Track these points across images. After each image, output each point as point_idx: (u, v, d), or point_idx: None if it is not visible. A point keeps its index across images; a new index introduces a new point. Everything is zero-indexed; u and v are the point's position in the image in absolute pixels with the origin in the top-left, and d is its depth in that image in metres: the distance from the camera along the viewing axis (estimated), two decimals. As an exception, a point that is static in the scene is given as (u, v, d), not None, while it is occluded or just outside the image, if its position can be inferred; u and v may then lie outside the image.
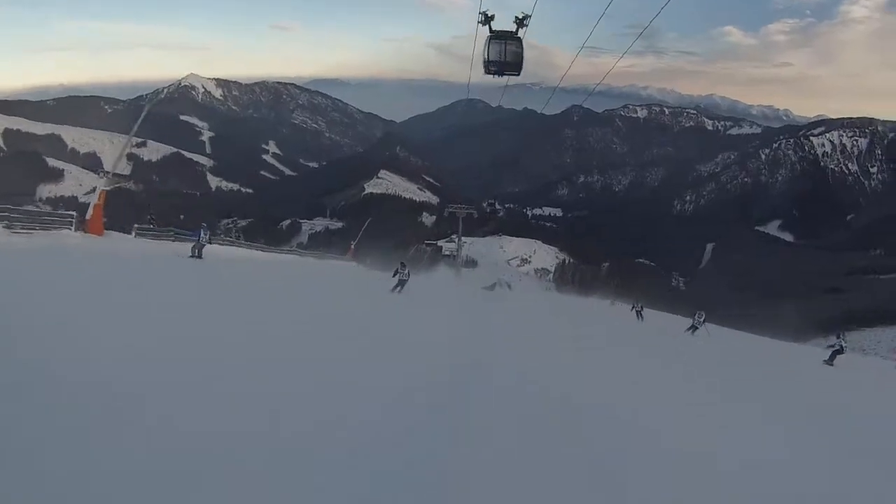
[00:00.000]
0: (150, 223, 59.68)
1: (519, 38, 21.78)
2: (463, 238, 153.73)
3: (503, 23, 21.58)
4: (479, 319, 34.58)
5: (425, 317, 30.95)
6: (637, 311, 53.21)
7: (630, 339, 36.37)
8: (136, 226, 44.83)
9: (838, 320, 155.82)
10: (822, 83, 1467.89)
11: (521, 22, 21.58)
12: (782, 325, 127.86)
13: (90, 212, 38.06)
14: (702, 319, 44.87)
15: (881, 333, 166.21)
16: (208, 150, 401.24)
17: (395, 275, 38.22)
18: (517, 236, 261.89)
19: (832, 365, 35.18)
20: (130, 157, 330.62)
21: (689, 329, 44.81)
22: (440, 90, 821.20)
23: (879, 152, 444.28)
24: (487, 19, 21.63)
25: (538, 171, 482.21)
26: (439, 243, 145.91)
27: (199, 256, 37.21)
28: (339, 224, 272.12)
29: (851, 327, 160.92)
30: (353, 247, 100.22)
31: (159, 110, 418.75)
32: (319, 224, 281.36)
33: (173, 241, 46.53)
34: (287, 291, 31.76)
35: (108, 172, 40.87)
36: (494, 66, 22.23)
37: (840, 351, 36.28)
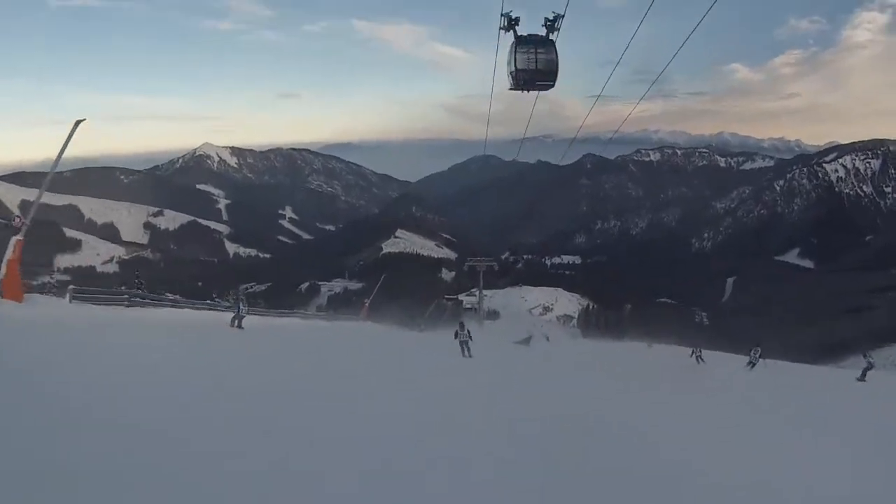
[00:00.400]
0: (139, 287, 56.72)
1: (552, 41, 19.27)
2: (483, 291, 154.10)
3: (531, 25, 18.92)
4: (539, 378, 32.38)
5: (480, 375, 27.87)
6: (697, 356, 51.94)
7: (699, 382, 36.80)
8: (71, 287, 35.32)
9: (864, 339, 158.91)
10: (831, 110, 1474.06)
11: (552, 24, 19.06)
12: (811, 348, 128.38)
13: (3, 270, 29.28)
14: (758, 355, 46.26)
15: None
16: (225, 216, 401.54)
17: (455, 337, 34.75)
18: (537, 286, 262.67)
19: (864, 380, 38.91)
20: (147, 226, 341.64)
21: (748, 365, 45.83)
22: (453, 148, 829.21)
23: (893, 171, 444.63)
24: (511, 23, 19.01)
25: (555, 221, 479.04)
26: (460, 297, 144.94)
27: (241, 327, 35.29)
28: (359, 284, 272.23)
29: (881, 345, 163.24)
30: (366, 304, 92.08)
31: (175, 180, 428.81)
32: (338, 285, 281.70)
33: (127, 305, 37.28)
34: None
35: (16, 218, 33.59)
36: (524, 78, 19.61)
37: (869, 367, 40.36)
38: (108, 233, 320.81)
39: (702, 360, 51.18)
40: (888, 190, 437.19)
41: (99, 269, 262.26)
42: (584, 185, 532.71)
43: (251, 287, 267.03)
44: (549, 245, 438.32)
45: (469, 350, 33.66)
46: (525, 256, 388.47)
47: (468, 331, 34.76)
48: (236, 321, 35.37)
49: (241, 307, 36.36)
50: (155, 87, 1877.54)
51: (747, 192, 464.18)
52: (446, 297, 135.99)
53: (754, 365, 45.05)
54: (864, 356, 43.29)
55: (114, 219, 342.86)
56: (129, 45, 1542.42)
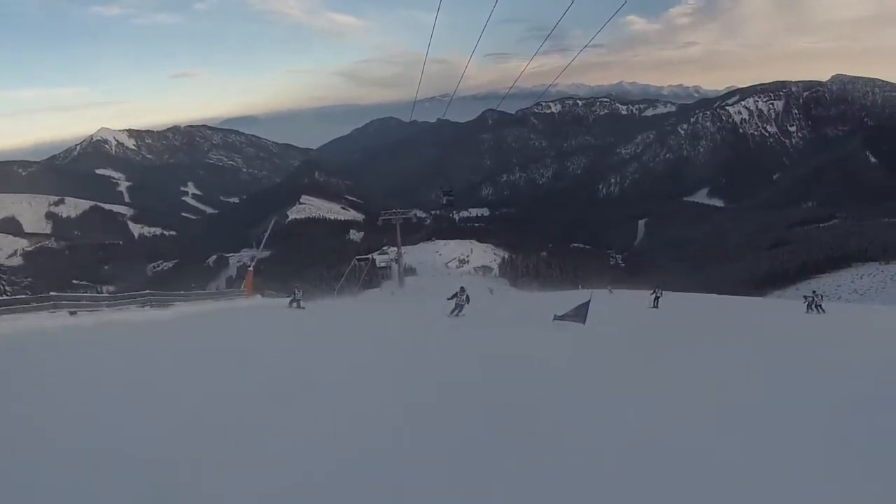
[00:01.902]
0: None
1: None
2: (394, 248, 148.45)
3: None
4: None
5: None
6: (656, 298, 48.64)
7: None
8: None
9: (793, 273, 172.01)
10: (729, 56, 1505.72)
11: None
12: (739, 283, 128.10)
13: None
14: (659, 293, 48.91)
15: (838, 277, 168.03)
16: (127, 199, 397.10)
17: (451, 297, 35.42)
18: (450, 240, 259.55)
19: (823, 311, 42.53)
20: (49, 216, 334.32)
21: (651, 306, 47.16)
22: (352, 113, 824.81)
23: (796, 112, 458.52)
24: None
25: (460, 176, 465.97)
26: (372, 256, 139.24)
27: (301, 307, 40.57)
28: (267, 253, 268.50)
29: (809, 277, 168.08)
30: (251, 271, 70.80)
31: (74, 168, 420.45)
32: (246, 255, 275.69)
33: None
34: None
35: None
36: None
37: (812, 302, 43.63)
38: (10, 227, 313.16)
39: (657, 303, 47.77)
40: (793, 129, 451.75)
41: (4, 262, 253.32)
42: (487, 139, 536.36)
43: (158, 265, 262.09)
44: (456, 199, 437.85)
45: (461, 311, 34.05)
46: (432, 212, 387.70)
47: (468, 296, 35.18)
48: (295, 303, 41.07)
49: (296, 293, 42.40)
50: (47, 79, 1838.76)
51: (651, 136, 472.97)
52: (358, 257, 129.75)
53: (658, 300, 47.63)
54: (812, 294, 45.59)
55: (14, 212, 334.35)
56: (16, 39, 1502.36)
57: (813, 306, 42.95)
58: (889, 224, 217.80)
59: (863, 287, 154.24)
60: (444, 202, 38.17)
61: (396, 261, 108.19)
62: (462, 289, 35.37)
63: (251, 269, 71.45)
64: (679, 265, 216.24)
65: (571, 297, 40.04)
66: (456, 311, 33.83)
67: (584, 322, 22.34)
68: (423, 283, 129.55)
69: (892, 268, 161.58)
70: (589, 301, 23.20)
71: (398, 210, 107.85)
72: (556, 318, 24.53)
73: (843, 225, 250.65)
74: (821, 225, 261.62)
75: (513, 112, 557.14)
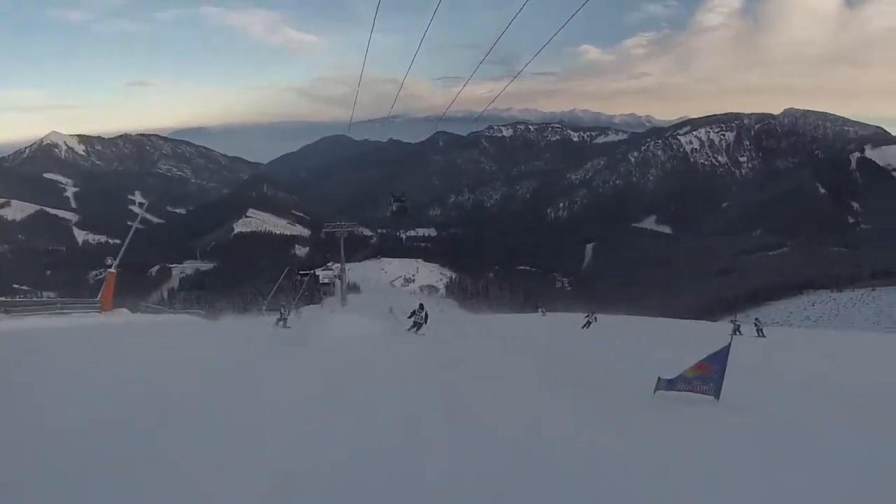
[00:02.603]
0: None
1: None
2: (338, 264, 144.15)
3: None
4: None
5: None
6: (588, 322, 49.11)
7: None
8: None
9: (743, 299, 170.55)
10: (681, 88, 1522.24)
11: None
12: (688, 309, 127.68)
13: None
14: (593, 316, 50.18)
15: (790, 304, 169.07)
16: (73, 204, 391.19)
17: (411, 316, 35.05)
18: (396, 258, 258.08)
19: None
20: None
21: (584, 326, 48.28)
22: (304, 130, 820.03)
23: (748, 143, 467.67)
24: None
25: (408, 196, 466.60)
26: (316, 272, 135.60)
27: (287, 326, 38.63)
28: (211, 265, 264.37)
29: (760, 304, 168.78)
30: (112, 273, 50.16)
31: (22, 170, 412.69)
32: (189, 267, 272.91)
33: None
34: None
35: None
36: None
37: (737, 329, 43.11)
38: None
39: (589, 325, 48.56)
40: (743, 160, 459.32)
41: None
42: (437, 160, 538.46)
43: (100, 273, 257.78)
44: (403, 219, 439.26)
45: (418, 329, 33.93)
46: (379, 231, 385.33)
47: (426, 313, 34.69)
48: (281, 322, 39.10)
49: (284, 312, 41.02)
50: None
51: (602, 163, 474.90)
52: (300, 272, 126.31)
53: (590, 324, 48.09)
54: (733, 321, 47.28)
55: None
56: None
57: (757, 331, 43.24)
58: (838, 253, 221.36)
59: (815, 314, 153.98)
60: (395, 209, 35.14)
61: (339, 277, 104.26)
62: (421, 306, 35.02)
63: (112, 271, 51.89)
64: (626, 290, 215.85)
65: (535, 323, 39.41)
66: (414, 329, 33.61)
67: (717, 397, 12.57)
68: (366, 301, 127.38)
69: (844, 296, 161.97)
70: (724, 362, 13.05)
71: (342, 223, 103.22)
72: (665, 387, 13.60)
73: (793, 253, 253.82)
74: (770, 253, 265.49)
75: (464, 135, 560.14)
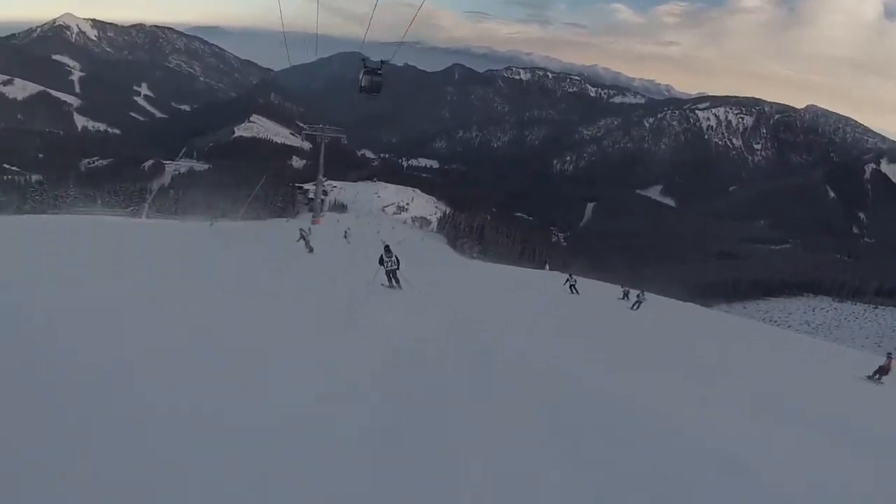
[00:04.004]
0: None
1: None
2: (334, 182, 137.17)
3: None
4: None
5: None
6: (571, 285, 46.11)
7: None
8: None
9: (744, 289, 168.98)
10: (706, 64, 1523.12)
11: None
12: (683, 287, 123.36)
13: None
14: (643, 295, 43.93)
15: (789, 304, 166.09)
16: (77, 89, 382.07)
17: (381, 263, 26.84)
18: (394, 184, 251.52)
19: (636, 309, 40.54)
20: None
21: (633, 306, 42.86)
22: (321, 42, 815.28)
23: (764, 131, 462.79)
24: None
25: (416, 124, 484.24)
26: (306, 186, 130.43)
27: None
28: (206, 166, 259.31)
29: (759, 298, 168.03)
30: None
31: (30, 49, 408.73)
32: (184, 165, 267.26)
33: None
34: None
35: None
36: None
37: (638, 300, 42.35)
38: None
39: (575, 290, 45.73)
40: (757, 147, 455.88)
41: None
42: (450, 93, 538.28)
43: (93, 162, 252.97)
44: (408, 146, 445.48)
45: (394, 280, 26.74)
46: (382, 155, 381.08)
47: (396, 258, 27.04)
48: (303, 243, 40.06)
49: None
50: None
51: (616, 123, 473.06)
52: (293, 185, 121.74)
53: (639, 305, 42.38)
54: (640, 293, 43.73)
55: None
56: None
57: (635, 305, 42.06)
58: (841, 261, 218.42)
59: (815, 321, 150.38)
60: (364, 83, 29.87)
61: (316, 190, 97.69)
62: (388, 249, 27.52)
63: None
64: (621, 255, 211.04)
65: (549, 287, 41.49)
66: (390, 282, 26.46)
67: None
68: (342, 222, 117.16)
69: (845, 307, 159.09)
70: None
71: (324, 125, 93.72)
72: None
73: (795, 252, 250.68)
74: (773, 247, 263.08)
75: (481, 71, 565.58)
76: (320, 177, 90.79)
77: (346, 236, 53.23)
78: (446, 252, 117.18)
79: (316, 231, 51.20)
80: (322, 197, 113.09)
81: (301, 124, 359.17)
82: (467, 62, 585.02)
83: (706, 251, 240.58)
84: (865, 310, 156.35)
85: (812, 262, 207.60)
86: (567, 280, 46.84)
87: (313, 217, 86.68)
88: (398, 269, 26.53)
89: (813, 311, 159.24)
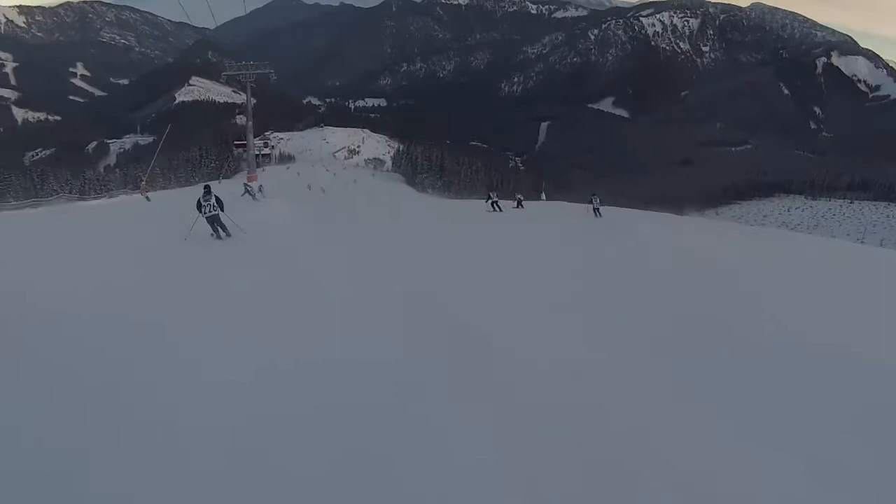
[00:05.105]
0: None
1: None
2: (280, 134, 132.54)
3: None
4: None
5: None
6: (595, 209, 42.22)
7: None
8: None
9: (715, 195, 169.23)
10: None
11: None
12: (651, 199, 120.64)
13: None
14: (598, 202, 42.86)
15: (762, 207, 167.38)
16: (13, 81, 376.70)
17: (199, 209, 20.98)
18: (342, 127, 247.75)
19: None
20: None
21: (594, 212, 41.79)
22: None
23: (711, 32, 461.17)
24: None
25: (358, 64, 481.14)
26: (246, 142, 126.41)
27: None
28: (150, 139, 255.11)
29: (731, 202, 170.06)
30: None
31: None
32: (128, 142, 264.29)
33: None
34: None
35: None
36: None
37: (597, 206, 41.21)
38: None
39: (599, 213, 41.82)
40: (705, 49, 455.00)
41: None
42: (389, 26, 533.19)
43: (37, 154, 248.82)
44: (352, 88, 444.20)
45: (219, 228, 21.24)
46: (327, 100, 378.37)
47: (215, 201, 20.90)
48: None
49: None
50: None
51: (560, 38, 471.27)
52: (236, 143, 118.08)
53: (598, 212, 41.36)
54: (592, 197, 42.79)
55: None
56: None
57: (595, 210, 41.36)
58: (807, 158, 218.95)
59: (792, 221, 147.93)
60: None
61: (270, 145, 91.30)
62: (207, 189, 21.48)
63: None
64: (582, 173, 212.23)
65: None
66: (216, 231, 21.12)
67: None
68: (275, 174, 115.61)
69: (820, 204, 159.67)
70: None
71: (249, 62, 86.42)
72: None
73: (756, 153, 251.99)
74: (733, 149, 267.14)
75: (419, 1, 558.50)
76: (249, 123, 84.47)
77: (248, 192, 47.40)
78: (405, 192, 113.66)
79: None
80: (267, 151, 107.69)
81: (242, 80, 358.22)
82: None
83: (667, 160, 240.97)
84: (841, 205, 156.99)
85: (776, 162, 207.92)
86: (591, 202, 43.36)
87: (248, 173, 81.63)
88: (222, 212, 21.06)
89: (788, 210, 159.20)
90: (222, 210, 20.83)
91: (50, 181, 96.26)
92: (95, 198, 64.14)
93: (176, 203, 36.51)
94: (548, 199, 71.89)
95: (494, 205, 44.13)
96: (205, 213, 20.64)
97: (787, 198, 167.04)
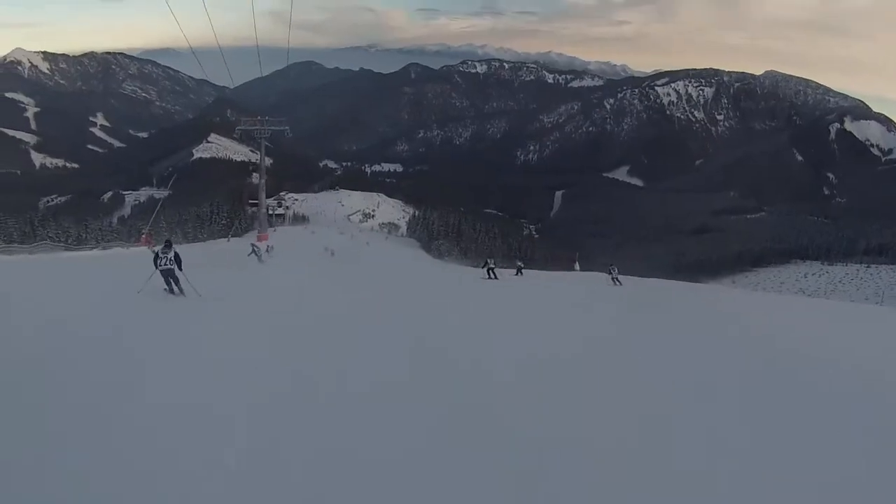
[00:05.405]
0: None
1: None
2: (295, 195, 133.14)
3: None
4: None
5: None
6: (614, 278, 44.86)
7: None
8: None
9: (729, 262, 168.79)
10: (660, 40, 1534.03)
11: None
12: (664, 267, 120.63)
13: None
14: (615, 272, 45.05)
15: (779, 273, 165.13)
16: (34, 126, 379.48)
17: (155, 263, 20.78)
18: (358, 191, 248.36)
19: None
20: None
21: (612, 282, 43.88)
22: (275, 55, 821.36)
23: (726, 101, 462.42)
24: None
25: (376, 128, 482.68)
26: (266, 202, 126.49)
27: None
28: (166, 192, 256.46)
29: (746, 269, 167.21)
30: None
31: None
32: (144, 194, 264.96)
33: None
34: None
35: None
36: None
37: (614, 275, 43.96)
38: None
39: (618, 281, 44.83)
40: (720, 117, 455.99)
41: None
42: (408, 93, 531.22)
43: (52, 199, 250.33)
44: (369, 152, 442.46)
45: (177, 282, 21.03)
46: (344, 164, 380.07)
47: (173, 254, 20.92)
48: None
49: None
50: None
51: (576, 107, 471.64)
52: (250, 201, 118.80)
53: (616, 281, 43.88)
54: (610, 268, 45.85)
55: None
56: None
57: (613, 279, 43.78)
58: (822, 224, 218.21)
59: (809, 287, 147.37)
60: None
61: (284, 205, 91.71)
62: (168, 243, 21.61)
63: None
64: (597, 241, 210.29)
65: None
66: (169, 287, 20.72)
67: None
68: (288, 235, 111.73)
69: (837, 269, 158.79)
70: None
71: (264, 117, 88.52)
72: None
73: (772, 219, 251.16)
74: (748, 216, 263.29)
75: (437, 68, 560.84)
76: (261, 181, 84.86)
77: (255, 252, 46.18)
78: (423, 260, 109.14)
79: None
80: (281, 211, 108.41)
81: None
82: (422, 60, 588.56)
83: (681, 228, 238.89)
84: (858, 270, 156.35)
85: (791, 228, 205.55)
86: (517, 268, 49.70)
87: (259, 233, 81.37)
88: (178, 268, 20.83)
89: (805, 276, 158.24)
90: (180, 268, 20.82)
91: (49, 227, 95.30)
92: (88, 248, 65.00)
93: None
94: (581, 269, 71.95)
95: (490, 272, 44.15)
96: (160, 265, 20.57)
97: (804, 264, 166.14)
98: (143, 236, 61.28)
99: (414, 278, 44.34)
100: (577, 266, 77.83)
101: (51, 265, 33.73)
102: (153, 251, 32.26)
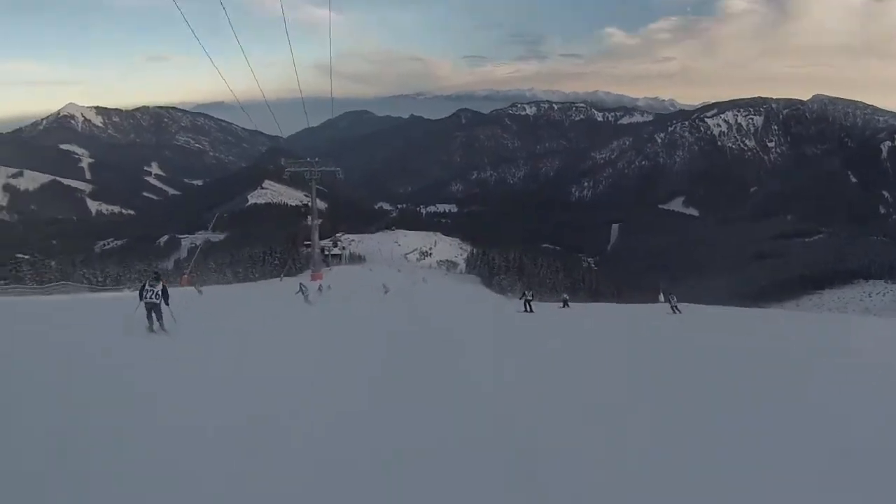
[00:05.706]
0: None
1: None
2: (351, 236, 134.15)
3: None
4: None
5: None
6: (673, 306, 44.23)
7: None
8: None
9: (792, 286, 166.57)
10: (705, 73, 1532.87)
11: None
12: (731, 295, 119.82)
13: None
14: (675, 301, 45.07)
15: (842, 294, 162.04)
16: (88, 175, 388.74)
17: (141, 296, 20.16)
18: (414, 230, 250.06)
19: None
20: (7, 188, 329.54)
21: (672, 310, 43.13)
22: (325, 105, 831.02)
23: (776, 128, 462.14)
24: None
25: (429, 172, 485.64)
26: (322, 243, 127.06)
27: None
28: (221, 236, 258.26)
29: (811, 291, 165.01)
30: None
31: (38, 141, 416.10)
32: (199, 238, 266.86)
33: None
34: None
35: None
36: None
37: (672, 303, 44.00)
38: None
39: (677, 309, 43.92)
40: (771, 144, 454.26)
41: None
42: (459, 137, 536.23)
43: (108, 243, 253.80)
44: (423, 194, 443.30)
45: (155, 320, 20.21)
46: (398, 206, 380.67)
47: (161, 288, 20.31)
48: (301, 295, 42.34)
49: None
50: (18, 51, 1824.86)
51: (627, 143, 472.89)
52: (305, 242, 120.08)
53: (676, 310, 43.01)
54: (669, 296, 47.42)
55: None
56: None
57: (673, 308, 43.30)
58: (881, 242, 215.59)
59: (874, 306, 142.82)
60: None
61: (335, 245, 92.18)
62: (156, 276, 21.05)
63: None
64: (656, 273, 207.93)
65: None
66: (150, 321, 19.87)
67: None
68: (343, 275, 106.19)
69: None
70: None
71: (313, 158, 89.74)
72: None
73: (830, 241, 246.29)
74: (806, 239, 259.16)
75: (487, 112, 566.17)
76: (315, 222, 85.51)
77: (302, 292, 45.67)
78: (484, 294, 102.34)
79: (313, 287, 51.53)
80: (337, 251, 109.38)
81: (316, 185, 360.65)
82: (471, 106, 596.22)
83: (741, 255, 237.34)
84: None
85: (851, 249, 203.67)
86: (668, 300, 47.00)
87: (312, 272, 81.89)
88: (165, 303, 20.23)
89: (869, 296, 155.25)
90: (166, 302, 20.27)
91: (89, 268, 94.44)
92: (116, 289, 64.12)
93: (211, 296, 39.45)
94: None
95: (527, 304, 43.37)
96: (145, 297, 19.98)
97: (867, 283, 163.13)
98: (185, 277, 62.26)
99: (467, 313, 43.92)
100: (661, 297, 75.69)
101: (41, 305, 34.13)
102: (199, 290, 32.66)
